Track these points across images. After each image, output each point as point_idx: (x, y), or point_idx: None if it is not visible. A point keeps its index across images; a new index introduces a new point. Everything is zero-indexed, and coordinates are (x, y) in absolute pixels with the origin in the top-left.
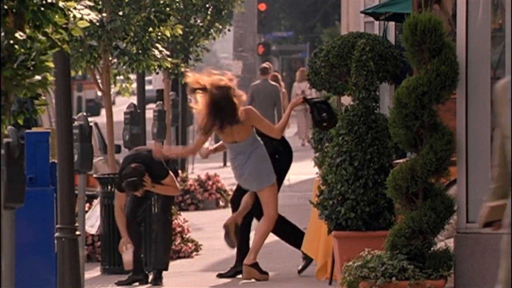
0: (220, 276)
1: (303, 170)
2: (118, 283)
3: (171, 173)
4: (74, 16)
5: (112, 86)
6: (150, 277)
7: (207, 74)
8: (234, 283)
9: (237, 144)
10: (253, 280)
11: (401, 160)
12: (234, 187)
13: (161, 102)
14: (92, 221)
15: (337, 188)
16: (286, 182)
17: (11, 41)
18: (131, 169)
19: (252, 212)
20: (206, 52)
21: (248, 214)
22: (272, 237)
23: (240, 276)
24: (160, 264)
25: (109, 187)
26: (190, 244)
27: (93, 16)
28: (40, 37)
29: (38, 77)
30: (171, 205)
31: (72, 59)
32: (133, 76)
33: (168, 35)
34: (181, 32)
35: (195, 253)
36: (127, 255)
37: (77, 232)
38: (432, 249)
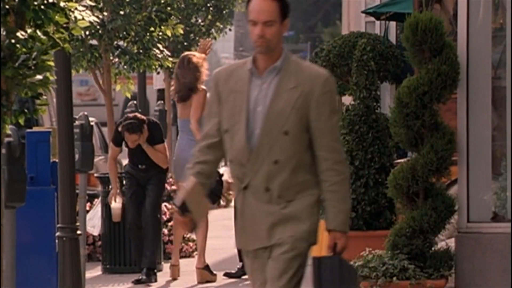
0: (228, 275)
1: None
2: (135, 282)
3: (165, 144)
4: (75, 17)
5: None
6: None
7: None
8: (235, 283)
9: (184, 121)
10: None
11: (402, 160)
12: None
13: (162, 102)
14: (94, 222)
15: None
16: None
17: (12, 41)
18: (134, 115)
19: None
20: None
21: None
22: None
23: (246, 276)
24: (150, 263)
25: (110, 187)
26: (191, 244)
27: (94, 18)
28: (41, 36)
29: (39, 77)
30: (161, 203)
31: (73, 59)
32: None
33: (169, 34)
34: (182, 32)
35: (196, 252)
36: (116, 207)
37: (78, 232)
38: (433, 248)
